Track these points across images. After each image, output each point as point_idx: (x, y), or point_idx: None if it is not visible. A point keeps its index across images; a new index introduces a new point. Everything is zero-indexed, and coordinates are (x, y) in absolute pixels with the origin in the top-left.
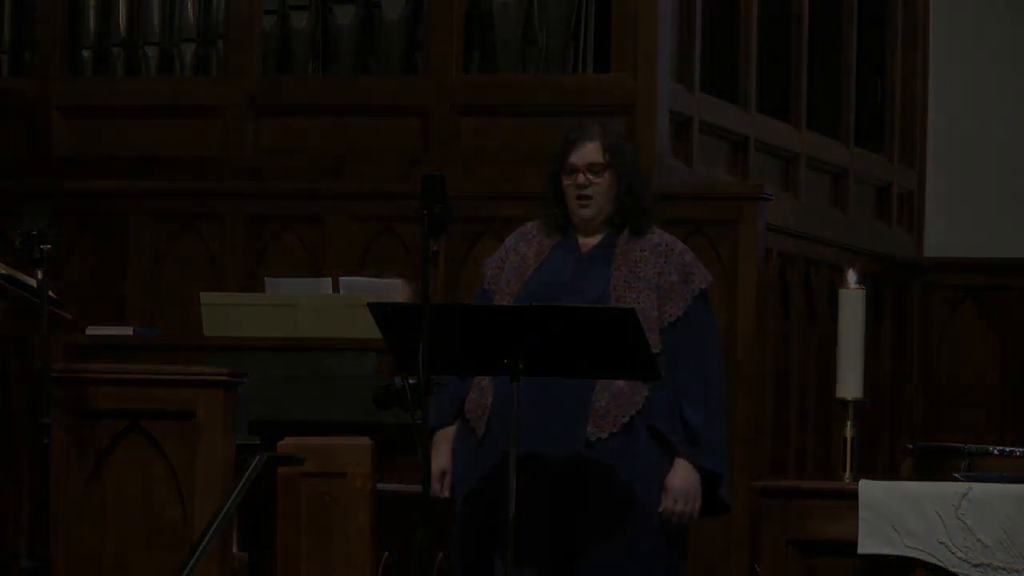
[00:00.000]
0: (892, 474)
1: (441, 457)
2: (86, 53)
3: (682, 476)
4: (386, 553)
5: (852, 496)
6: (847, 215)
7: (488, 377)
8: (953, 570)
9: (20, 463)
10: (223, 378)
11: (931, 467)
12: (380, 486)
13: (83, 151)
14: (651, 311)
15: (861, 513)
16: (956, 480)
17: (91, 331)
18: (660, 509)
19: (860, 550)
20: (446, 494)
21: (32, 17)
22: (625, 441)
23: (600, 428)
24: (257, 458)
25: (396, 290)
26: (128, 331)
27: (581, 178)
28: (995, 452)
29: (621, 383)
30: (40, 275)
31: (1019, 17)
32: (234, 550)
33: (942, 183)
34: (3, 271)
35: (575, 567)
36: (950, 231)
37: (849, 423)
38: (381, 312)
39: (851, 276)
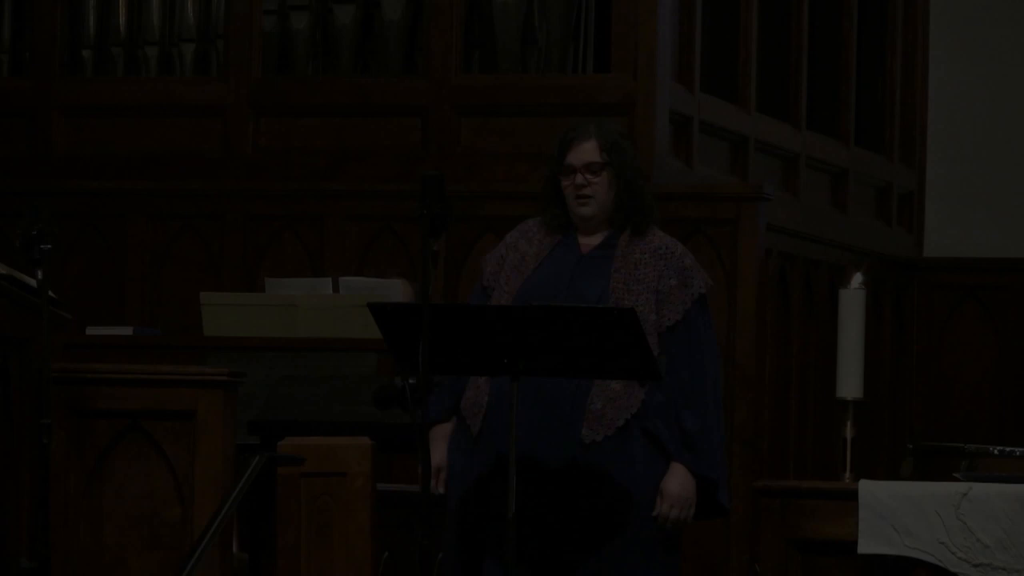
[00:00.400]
0: (892, 474)
1: (437, 453)
2: (86, 53)
3: (678, 482)
4: (386, 553)
5: (852, 496)
6: (847, 215)
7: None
8: (953, 570)
9: (20, 463)
10: (223, 378)
11: (931, 467)
12: (380, 486)
13: (83, 151)
14: (649, 315)
15: (861, 513)
16: (956, 480)
17: (91, 331)
18: (655, 513)
19: (860, 550)
20: (441, 490)
21: (32, 17)
22: (620, 443)
23: (595, 430)
24: (257, 458)
25: (396, 290)
26: (128, 331)
27: (579, 178)
28: (995, 452)
29: (617, 386)
30: (40, 275)
31: (1018, 17)
32: (234, 550)
33: (942, 183)
34: (3, 271)
35: (570, 568)
36: (950, 231)
37: (849, 423)
38: (381, 312)
39: (856, 278)
